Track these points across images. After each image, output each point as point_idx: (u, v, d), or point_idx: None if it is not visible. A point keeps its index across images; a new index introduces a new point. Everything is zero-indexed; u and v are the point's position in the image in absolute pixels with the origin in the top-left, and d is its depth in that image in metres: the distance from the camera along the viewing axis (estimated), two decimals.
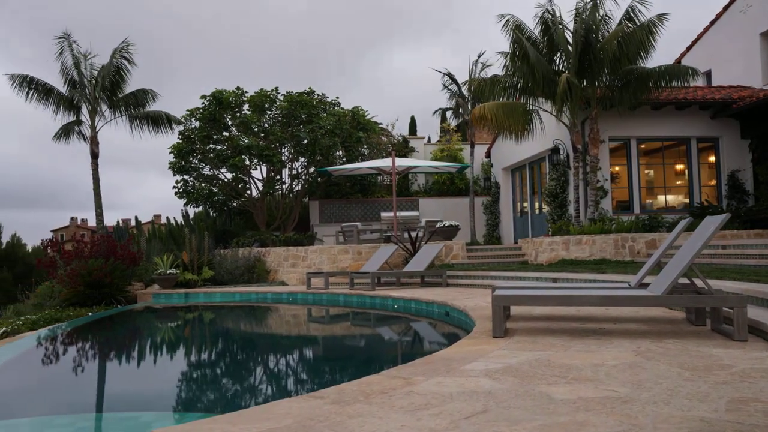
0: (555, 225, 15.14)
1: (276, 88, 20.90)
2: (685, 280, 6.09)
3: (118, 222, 21.03)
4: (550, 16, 14.79)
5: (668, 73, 14.28)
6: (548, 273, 11.23)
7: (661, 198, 16.63)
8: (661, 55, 43.99)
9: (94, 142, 18.61)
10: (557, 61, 15.29)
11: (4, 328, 9.08)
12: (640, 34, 13.88)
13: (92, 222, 19.11)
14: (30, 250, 36.35)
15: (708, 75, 19.74)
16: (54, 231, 72.15)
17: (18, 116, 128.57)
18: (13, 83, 18.16)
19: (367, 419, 2.91)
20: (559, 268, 12.18)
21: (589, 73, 14.44)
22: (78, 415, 4.61)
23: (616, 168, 16.28)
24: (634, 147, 15.99)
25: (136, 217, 22.19)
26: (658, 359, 4.21)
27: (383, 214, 19.19)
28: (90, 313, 11.99)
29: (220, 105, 20.33)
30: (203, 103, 20.52)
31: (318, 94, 21.44)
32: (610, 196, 15.58)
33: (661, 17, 13.99)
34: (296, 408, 3.15)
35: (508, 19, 14.96)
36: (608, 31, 14.57)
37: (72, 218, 75.07)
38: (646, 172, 16.84)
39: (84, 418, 4.49)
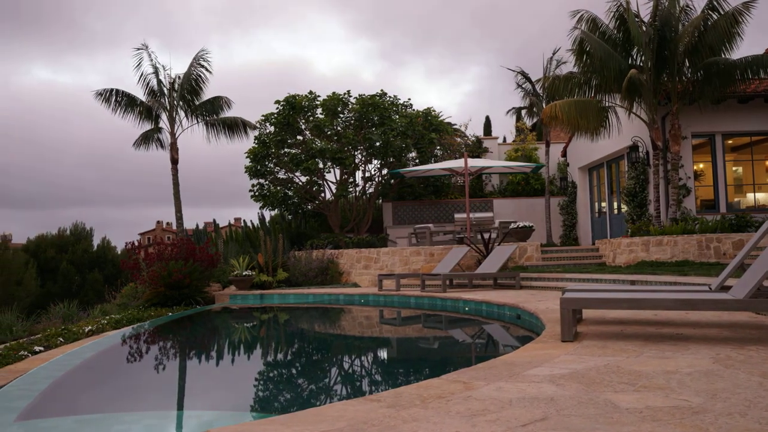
0: (634, 225, 14.57)
1: (348, 91, 21.13)
2: None
3: (197, 225, 21.68)
4: (623, 9, 14.27)
5: (756, 64, 13.50)
6: (626, 275, 10.82)
7: (750, 196, 15.76)
8: (749, 44, 41.66)
9: (173, 149, 19.29)
10: (634, 56, 14.73)
11: (89, 327, 9.51)
12: (723, 24, 13.19)
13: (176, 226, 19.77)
14: (119, 252, 38.24)
15: None
16: (141, 234, 75.58)
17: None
18: (101, 97, 18.96)
19: (421, 424, 2.85)
20: (638, 270, 11.72)
21: (668, 67, 13.84)
22: (145, 413, 4.76)
23: (700, 165, 15.53)
24: (720, 143, 15.21)
25: (215, 220, 22.81)
26: (737, 367, 3.95)
27: (456, 216, 18.98)
28: (170, 313, 12.41)
29: (293, 109, 20.66)
30: (277, 107, 20.93)
31: (390, 96, 21.49)
32: (693, 194, 14.88)
33: (747, 5, 13.24)
34: (351, 411, 3.12)
35: (581, 15, 14.56)
36: (688, 23, 13.92)
37: (158, 222, 78.30)
38: (733, 169, 16.00)
39: (150, 416, 4.63)
